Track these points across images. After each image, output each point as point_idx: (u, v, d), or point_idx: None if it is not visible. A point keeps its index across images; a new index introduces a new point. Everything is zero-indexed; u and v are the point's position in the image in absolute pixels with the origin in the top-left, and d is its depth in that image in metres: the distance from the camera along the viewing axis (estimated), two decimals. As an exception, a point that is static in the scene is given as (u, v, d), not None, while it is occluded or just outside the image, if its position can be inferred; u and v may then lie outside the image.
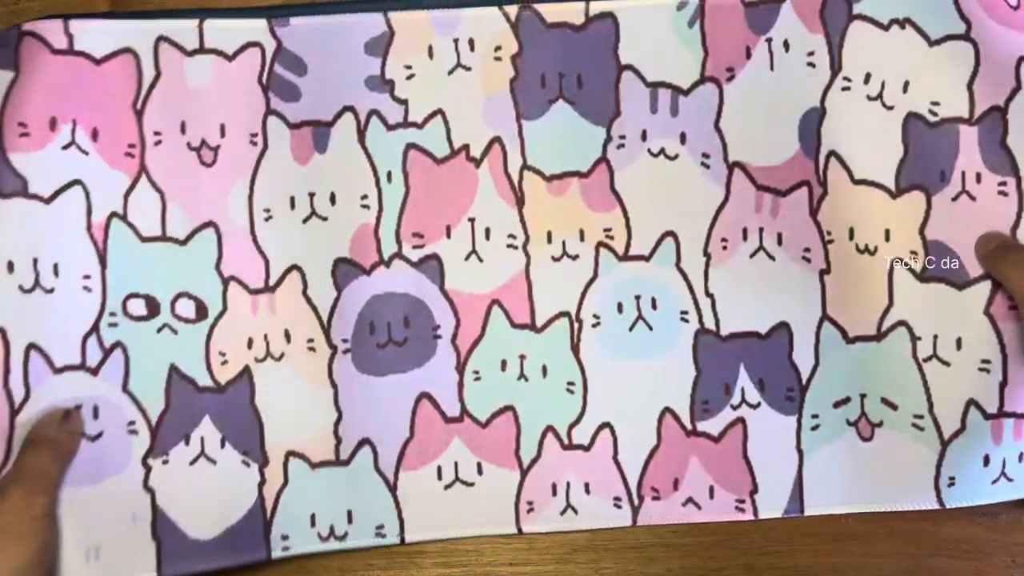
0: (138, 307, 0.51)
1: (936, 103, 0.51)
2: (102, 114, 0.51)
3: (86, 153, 0.50)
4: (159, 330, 0.51)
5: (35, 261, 0.49)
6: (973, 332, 0.51)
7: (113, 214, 0.51)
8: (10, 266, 0.49)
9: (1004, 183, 0.51)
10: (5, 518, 0.46)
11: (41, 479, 0.48)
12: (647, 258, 0.53)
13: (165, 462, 0.51)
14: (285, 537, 0.52)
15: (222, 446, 0.51)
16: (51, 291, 0.50)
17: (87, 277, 0.50)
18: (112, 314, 0.51)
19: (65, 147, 0.50)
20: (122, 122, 0.51)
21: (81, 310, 0.50)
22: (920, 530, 0.53)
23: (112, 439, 0.50)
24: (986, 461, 0.52)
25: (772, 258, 0.53)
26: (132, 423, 0.51)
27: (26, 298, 0.49)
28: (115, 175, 0.51)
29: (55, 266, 0.50)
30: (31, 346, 0.49)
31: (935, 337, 0.52)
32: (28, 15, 0.53)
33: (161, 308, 0.51)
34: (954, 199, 0.51)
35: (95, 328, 0.50)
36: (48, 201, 0.49)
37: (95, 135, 0.50)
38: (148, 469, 0.51)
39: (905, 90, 0.51)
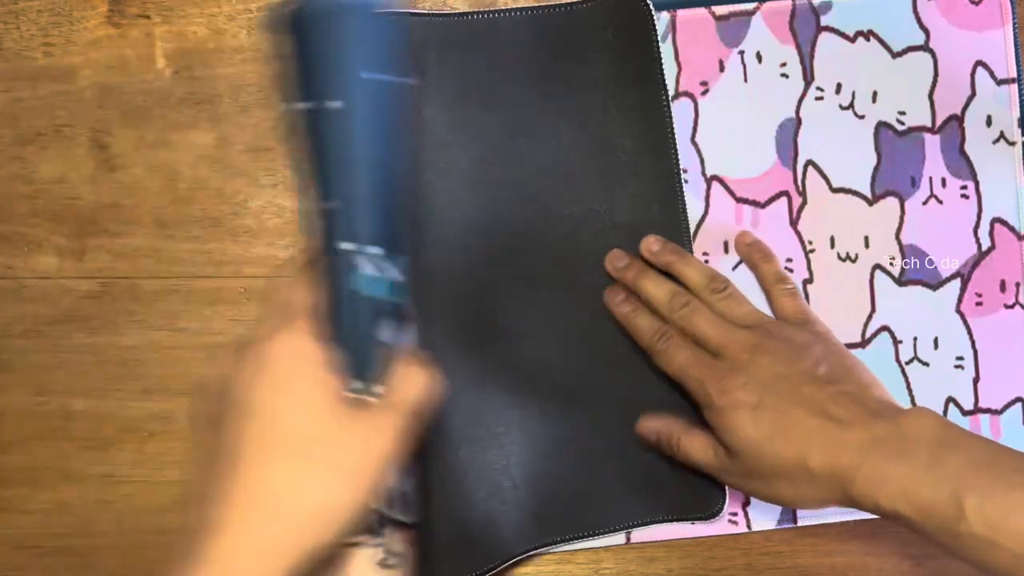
0: None
1: (903, 112, 0.57)
2: None
3: None
4: None
5: None
6: (947, 330, 0.57)
7: None
8: None
9: (965, 187, 0.56)
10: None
11: None
12: (630, 274, 0.58)
13: None
14: None
15: None
16: None
17: None
18: None
19: None
20: None
21: None
22: (920, 531, 0.58)
23: None
24: (969, 460, 0.57)
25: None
26: None
27: None
28: None
29: None
30: None
31: (915, 339, 0.57)
32: (27, 14, 0.58)
33: None
34: (924, 203, 0.57)
35: None
36: None
37: None
38: None
39: (874, 100, 0.57)
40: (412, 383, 0.45)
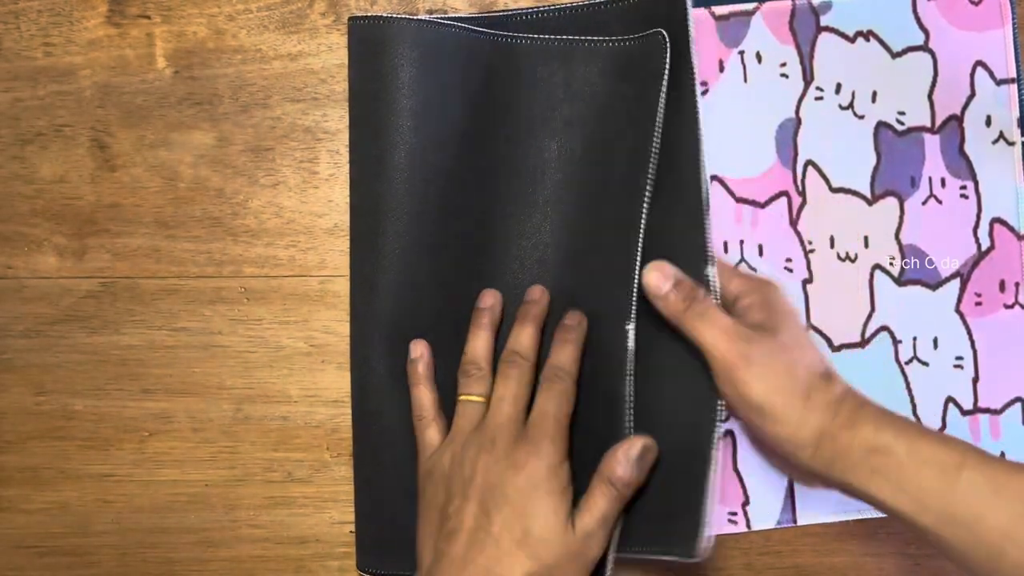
0: None
1: (902, 112, 0.57)
2: None
3: None
4: None
5: None
6: (946, 330, 0.58)
7: None
8: None
9: (964, 187, 0.57)
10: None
11: None
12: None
13: None
14: None
15: None
16: None
17: None
18: None
19: None
20: None
21: None
22: (921, 531, 0.58)
23: None
24: (968, 460, 0.57)
25: (754, 270, 0.58)
26: None
27: None
28: None
29: None
30: None
31: (914, 339, 0.58)
32: (27, 14, 0.58)
33: None
34: (924, 203, 0.57)
35: None
36: None
37: None
38: None
39: (874, 100, 0.57)
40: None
